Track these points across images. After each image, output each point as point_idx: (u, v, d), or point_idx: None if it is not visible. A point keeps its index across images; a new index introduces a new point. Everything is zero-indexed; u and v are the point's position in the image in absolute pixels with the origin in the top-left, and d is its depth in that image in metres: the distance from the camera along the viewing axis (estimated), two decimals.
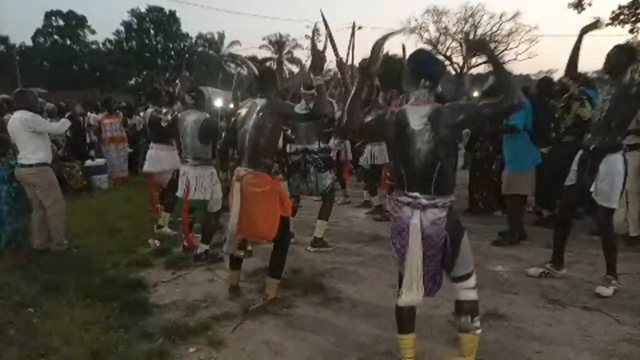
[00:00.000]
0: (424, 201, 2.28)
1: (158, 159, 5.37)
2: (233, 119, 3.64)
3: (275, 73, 3.65)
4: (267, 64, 48.21)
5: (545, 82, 5.56)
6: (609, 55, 3.52)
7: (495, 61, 2.26)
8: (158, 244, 4.92)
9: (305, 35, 32.05)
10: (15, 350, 2.95)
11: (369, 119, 2.56)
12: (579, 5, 20.75)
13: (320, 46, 3.39)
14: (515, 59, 39.48)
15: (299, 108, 3.75)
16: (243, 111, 3.53)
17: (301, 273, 4.13)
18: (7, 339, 3.09)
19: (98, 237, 5.26)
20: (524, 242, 4.85)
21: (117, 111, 9.05)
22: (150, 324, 3.26)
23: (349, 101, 2.54)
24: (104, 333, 3.12)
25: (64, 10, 44.17)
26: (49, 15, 44.16)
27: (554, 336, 3.01)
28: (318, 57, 3.33)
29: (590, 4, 20.40)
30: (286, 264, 3.73)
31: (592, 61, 5.14)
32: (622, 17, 20.91)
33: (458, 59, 40.79)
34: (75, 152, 8.17)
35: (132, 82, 43.35)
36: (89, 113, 10.50)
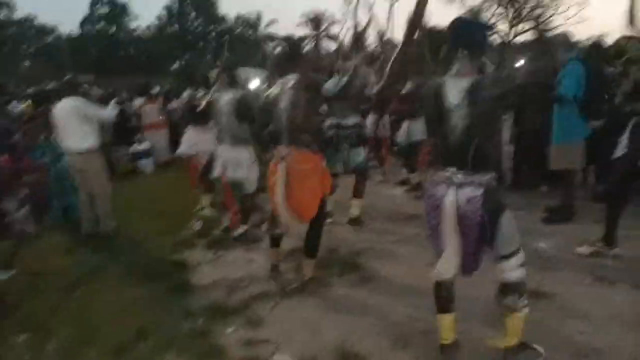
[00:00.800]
0: (460, 177, 2.21)
1: (194, 140, 5.46)
2: (265, 99, 3.62)
3: (301, 48, 3.61)
4: (306, 41, 48.15)
5: (596, 46, 5.18)
6: None
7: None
8: (200, 226, 5.04)
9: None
10: (66, 330, 3.12)
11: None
12: None
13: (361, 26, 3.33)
14: (565, 24, 37.34)
15: (331, 84, 3.68)
16: (275, 90, 3.51)
17: (338, 252, 4.14)
18: (59, 320, 3.28)
19: (144, 220, 5.44)
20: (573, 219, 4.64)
21: (157, 96, 9.20)
22: (193, 304, 3.37)
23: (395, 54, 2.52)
24: (149, 313, 3.26)
25: None
26: (93, 3, 45.47)
27: (600, 316, 2.89)
28: (359, 37, 3.26)
29: None
30: (323, 243, 3.74)
31: None
32: None
33: (504, 26, 38.94)
34: (121, 137, 8.44)
35: (176, 65, 44.09)
36: (134, 99, 10.83)
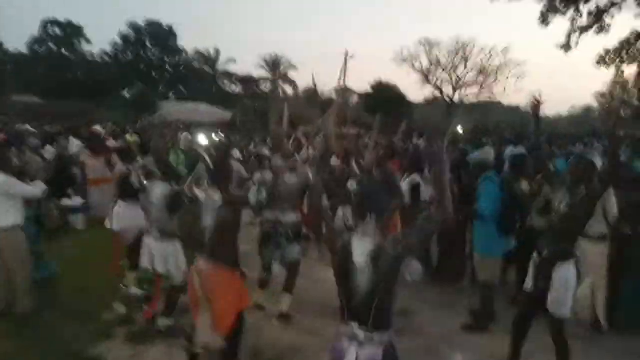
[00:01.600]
0: (361, 335, 2.32)
1: (123, 216, 5.33)
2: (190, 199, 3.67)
3: (228, 164, 3.74)
4: (262, 83, 48.72)
5: (518, 160, 5.47)
6: (571, 166, 3.64)
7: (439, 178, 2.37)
8: (123, 309, 4.86)
9: None
10: None
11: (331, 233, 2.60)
12: (566, 47, 21.49)
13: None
14: (504, 92, 40.54)
15: (253, 194, 3.74)
16: (201, 196, 3.58)
17: (261, 356, 4.11)
18: None
19: (66, 295, 5.20)
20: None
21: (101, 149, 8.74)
22: None
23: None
24: None
25: (61, 19, 44.29)
26: (46, 23, 44.21)
27: None
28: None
29: (577, 43, 21.16)
30: (250, 341, 3.80)
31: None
32: (607, 59, 21.78)
33: (448, 90, 41.62)
34: (54, 187, 8.04)
35: (126, 93, 43.00)
36: (71, 139, 10.36)
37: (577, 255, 3.56)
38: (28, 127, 14.47)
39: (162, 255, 4.36)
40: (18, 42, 64.87)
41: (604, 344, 4.49)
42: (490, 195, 4.50)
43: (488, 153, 4.91)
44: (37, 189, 4.90)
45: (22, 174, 7.48)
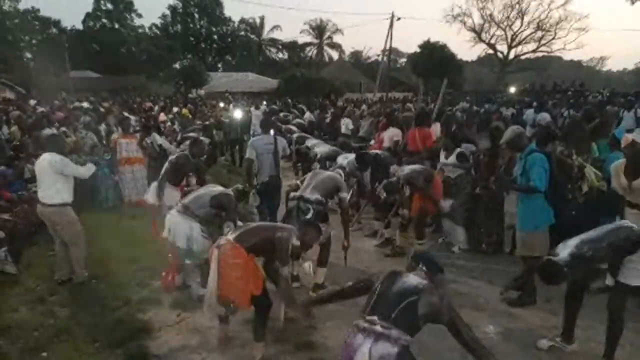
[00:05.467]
0: (378, 328, 2.26)
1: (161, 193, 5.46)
2: None
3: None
4: (307, 49, 48.31)
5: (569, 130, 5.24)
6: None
7: None
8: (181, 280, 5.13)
9: None
10: None
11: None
12: None
13: None
14: (563, 48, 37.94)
15: None
16: None
17: (295, 324, 4.27)
18: None
19: (117, 266, 5.55)
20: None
21: (136, 131, 8.86)
22: None
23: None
24: None
25: None
26: None
27: None
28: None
29: None
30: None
31: None
32: None
33: (502, 47, 39.46)
34: None
35: (177, 65, 43.86)
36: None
37: None
38: (85, 104, 15.22)
39: (178, 229, 4.56)
40: (75, 19, 67.16)
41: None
42: (541, 165, 4.28)
43: (515, 132, 4.68)
44: (87, 170, 5.21)
45: (75, 150, 8.04)
